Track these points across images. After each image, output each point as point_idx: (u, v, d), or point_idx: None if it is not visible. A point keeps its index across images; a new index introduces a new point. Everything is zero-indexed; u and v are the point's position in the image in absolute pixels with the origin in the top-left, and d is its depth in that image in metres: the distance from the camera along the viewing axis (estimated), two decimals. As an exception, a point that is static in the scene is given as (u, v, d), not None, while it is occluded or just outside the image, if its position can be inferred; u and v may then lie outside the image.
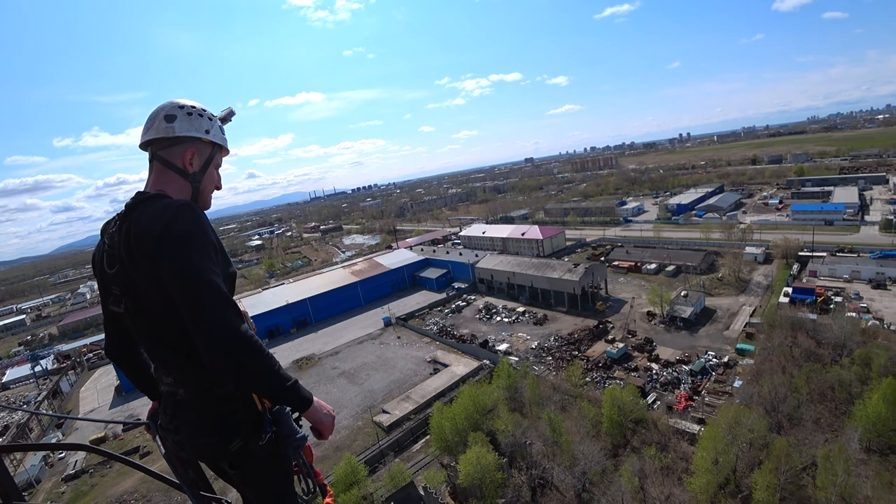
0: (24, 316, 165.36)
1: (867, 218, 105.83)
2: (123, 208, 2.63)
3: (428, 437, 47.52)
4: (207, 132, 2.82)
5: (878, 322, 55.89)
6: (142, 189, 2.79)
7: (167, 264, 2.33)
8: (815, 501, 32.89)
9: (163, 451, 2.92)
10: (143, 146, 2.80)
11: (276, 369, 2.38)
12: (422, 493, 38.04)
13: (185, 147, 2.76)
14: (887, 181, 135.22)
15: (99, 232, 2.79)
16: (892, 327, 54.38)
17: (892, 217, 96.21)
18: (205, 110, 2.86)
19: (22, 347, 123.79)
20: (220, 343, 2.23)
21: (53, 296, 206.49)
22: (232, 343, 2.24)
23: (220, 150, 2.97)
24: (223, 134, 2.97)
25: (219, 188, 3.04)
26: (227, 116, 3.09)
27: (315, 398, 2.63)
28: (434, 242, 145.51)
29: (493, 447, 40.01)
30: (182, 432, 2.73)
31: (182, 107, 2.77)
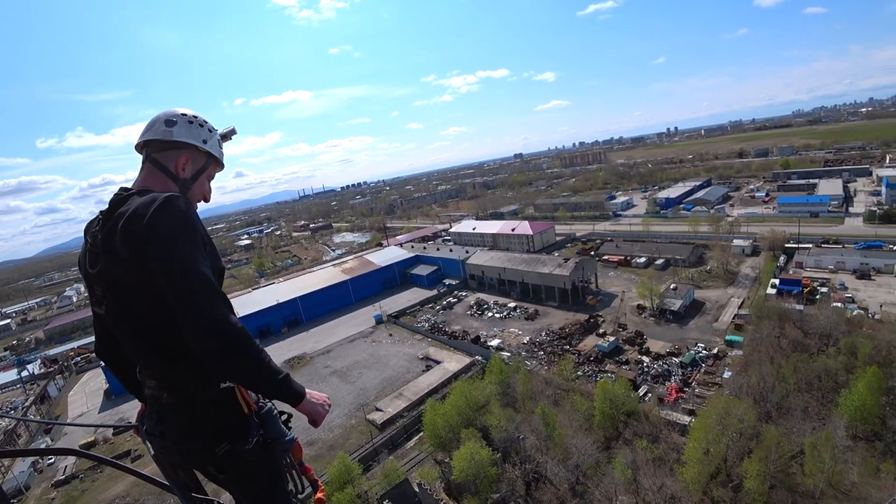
0: (9, 320, 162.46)
1: (851, 209, 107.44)
2: (107, 205, 2.59)
3: (421, 433, 47.57)
4: (205, 142, 2.85)
5: (862, 312, 56.82)
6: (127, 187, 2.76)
7: (155, 255, 2.28)
8: (803, 488, 33.49)
9: (152, 453, 2.88)
10: (139, 148, 2.82)
11: (267, 362, 2.35)
12: (416, 489, 38.07)
13: (180, 152, 2.78)
14: (871, 173, 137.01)
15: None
16: (877, 317, 55.33)
17: (875, 208, 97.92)
18: (206, 122, 2.90)
19: (7, 352, 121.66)
20: (210, 335, 2.19)
21: (39, 299, 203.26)
22: (223, 334, 2.20)
23: (216, 163, 2.98)
24: (220, 148, 3.00)
25: (207, 200, 3.05)
26: (228, 134, 3.13)
27: (308, 390, 2.62)
28: (424, 239, 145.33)
29: (486, 443, 40.12)
30: (167, 437, 2.69)
31: (184, 115, 2.82)
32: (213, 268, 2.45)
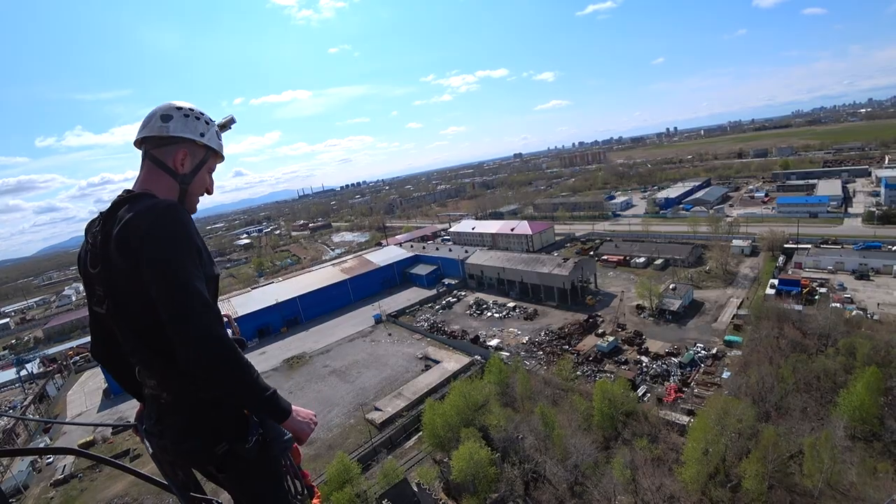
0: (7, 319, 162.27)
1: (850, 210, 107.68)
2: (108, 206, 2.59)
3: (420, 433, 47.57)
4: (202, 135, 2.82)
5: (861, 312, 56.87)
6: (129, 188, 2.76)
7: (149, 266, 2.29)
8: (802, 488, 33.54)
9: (151, 452, 2.88)
10: (138, 144, 2.79)
11: (255, 378, 2.36)
12: (415, 489, 38.08)
13: (177, 147, 2.76)
14: (870, 174, 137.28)
15: (83, 232, 2.74)
16: (875, 317, 55.38)
17: (874, 209, 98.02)
18: (202, 114, 2.87)
19: (6, 351, 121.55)
20: (199, 350, 2.20)
21: (38, 298, 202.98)
22: (211, 349, 2.21)
23: (215, 155, 2.96)
24: (219, 140, 2.96)
25: (210, 193, 3.02)
26: (227, 124, 3.09)
27: (294, 406, 2.62)
28: (424, 239, 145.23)
29: (485, 442, 40.14)
30: (167, 436, 2.69)
31: (180, 108, 2.78)
32: (207, 276, 2.46)
